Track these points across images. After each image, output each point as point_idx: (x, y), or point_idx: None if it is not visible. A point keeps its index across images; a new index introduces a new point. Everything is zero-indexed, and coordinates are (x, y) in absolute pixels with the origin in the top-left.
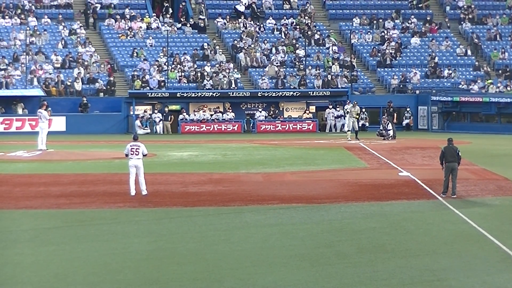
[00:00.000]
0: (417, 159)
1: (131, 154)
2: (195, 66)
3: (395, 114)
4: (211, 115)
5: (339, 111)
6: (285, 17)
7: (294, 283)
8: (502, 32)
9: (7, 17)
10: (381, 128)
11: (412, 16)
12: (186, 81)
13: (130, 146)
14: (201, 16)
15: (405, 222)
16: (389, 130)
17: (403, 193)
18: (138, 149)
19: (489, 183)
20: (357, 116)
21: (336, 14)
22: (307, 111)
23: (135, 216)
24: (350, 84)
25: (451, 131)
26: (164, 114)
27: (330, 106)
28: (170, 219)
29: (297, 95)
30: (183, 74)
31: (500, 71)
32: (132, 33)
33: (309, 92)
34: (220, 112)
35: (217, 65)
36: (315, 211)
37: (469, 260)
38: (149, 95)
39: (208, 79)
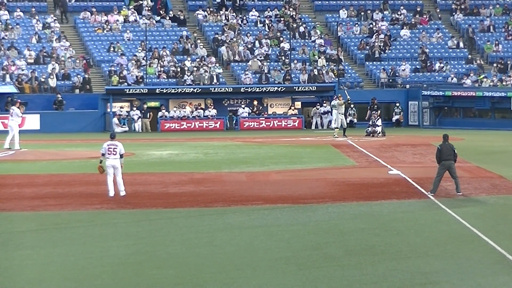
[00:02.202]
0: (408, 157)
1: (108, 154)
2: (175, 60)
3: (379, 111)
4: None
5: (325, 107)
6: (268, 9)
7: (280, 287)
8: (495, 23)
9: None
10: (370, 123)
11: (402, 7)
12: (165, 77)
13: (107, 145)
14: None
15: (396, 222)
16: (379, 126)
17: (393, 192)
18: (116, 148)
19: (483, 181)
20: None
21: (322, 5)
22: (293, 107)
23: (113, 218)
24: (337, 79)
25: (443, 127)
26: (143, 111)
27: (318, 105)
28: (150, 221)
29: (281, 90)
30: (162, 69)
31: (494, 64)
32: (109, 27)
33: (295, 87)
34: (201, 108)
35: (198, 60)
36: (302, 212)
37: (462, 262)
38: (127, 92)
39: (189, 74)
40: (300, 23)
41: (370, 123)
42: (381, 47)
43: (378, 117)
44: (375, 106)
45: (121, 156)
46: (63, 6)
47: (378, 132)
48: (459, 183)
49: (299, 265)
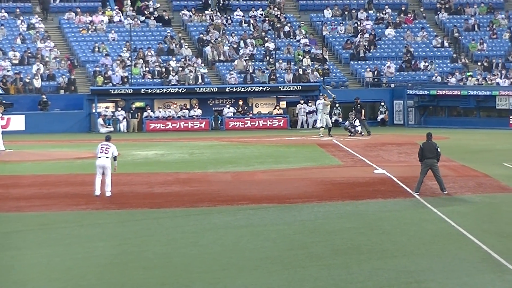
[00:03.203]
0: (393, 156)
1: (100, 153)
2: (160, 60)
3: (363, 111)
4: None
5: (310, 106)
6: (253, 9)
7: (266, 287)
8: (480, 22)
9: None
10: (347, 124)
11: (386, 6)
12: (150, 77)
13: (101, 145)
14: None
15: (381, 221)
16: (357, 126)
17: (379, 191)
18: (108, 148)
19: (468, 180)
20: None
21: (307, 5)
22: (278, 107)
23: (98, 219)
24: (322, 78)
25: (428, 126)
26: (131, 111)
27: (302, 101)
28: (136, 222)
29: (267, 90)
30: (147, 69)
31: (479, 63)
32: (94, 27)
33: (280, 87)
34: (186, 108)
35: (183, 60)
36: (287, 211)
37: (448, 260)
38: (112, 92)
39: (174, 74)
40: (285, 23)
41: (347, 124)
42: (366, 46)
43: (356, 118)
44: (359, 106)
45: (115, 158)
46: (44, 3)
47: (358, 132)
48: (442, 182)
49: (285, 265)
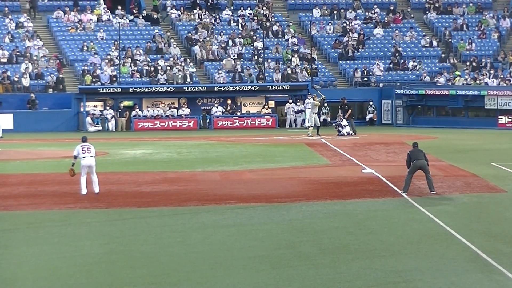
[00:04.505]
0: (381, 155)
1: (83, 153)
2: (148, 59)
3: (350, 110)
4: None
5: (299, 105)
6: (242, 8)
7: (253, 286)
8: (468, 22)
9: None
10: (335, 125)
11: (375, 6)
12: (139, 76)
13: (81, 146)
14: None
15: (369, 221)
16: (346, 126)
17: (367, 190)
18: (90, 147)
19: (456, 180)
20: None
21: (295, 4)
22: (266, 106)
23: (86, 218)
24: (310, 78)
25: (417, 126)
26: (119, 110)
27: (290, 101)
28: (123, 221)
29: (255, 89)
30: (135, 68)
31: (467, 63)
32: (82, 26)
33: (268, 86)
34: (175, 108)
35: (171, 59)
36: (275, 211)
37: (436, 260)
38: (100, 91)
39: (162, 73)
40: (274, 22)
41: (336, 124)
42: (355, 46)
43: (343, 118)
44: (346, 106)
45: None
46: (33, 1)
47: (346, 134)
48: (432, 182)
49: (272, 264)
